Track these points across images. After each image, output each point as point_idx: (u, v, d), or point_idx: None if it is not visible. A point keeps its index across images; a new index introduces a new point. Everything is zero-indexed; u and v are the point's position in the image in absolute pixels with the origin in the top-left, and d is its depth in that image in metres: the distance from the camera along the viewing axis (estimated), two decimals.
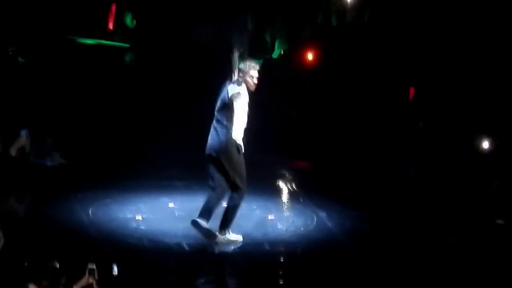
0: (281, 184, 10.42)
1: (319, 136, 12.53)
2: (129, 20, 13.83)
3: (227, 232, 7.46)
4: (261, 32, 14.05)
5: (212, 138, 7.66)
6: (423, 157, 11.17)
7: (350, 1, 13.55)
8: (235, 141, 7.58)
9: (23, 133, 10.81)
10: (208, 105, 7.80)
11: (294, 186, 10.26)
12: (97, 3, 13.50)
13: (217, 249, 7.23)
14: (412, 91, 12.71)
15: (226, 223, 7.46)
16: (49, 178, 10.33)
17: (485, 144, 10.50)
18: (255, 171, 8.55)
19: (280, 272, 6.85)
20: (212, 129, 7.72)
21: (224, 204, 7.58)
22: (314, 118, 13.27)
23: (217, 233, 7.39)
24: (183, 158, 10.87)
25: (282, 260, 7.12)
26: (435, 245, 7.71)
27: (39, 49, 12.69)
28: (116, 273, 5.79)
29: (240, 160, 7.58)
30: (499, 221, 8.76)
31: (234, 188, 7.47)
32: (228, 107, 7.61)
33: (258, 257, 7.11)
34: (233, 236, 7.54)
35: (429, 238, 7.99)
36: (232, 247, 7.24)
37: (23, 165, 10.55)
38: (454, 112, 11.77)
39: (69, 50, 13.12)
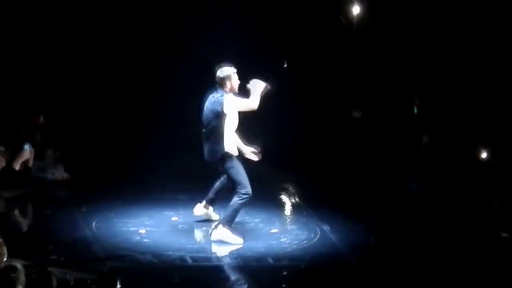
0: (285, 197, 10.42)
1: (323, 149, 12.54)
2: None
3: (226, 227, 7.73)
4: None
5: (208, 153, 7.94)
6: (426, 171, 11.17)
7: (356, 14, 13.60)
8: (229, 152, 7.84)
9: (27, 146, 10.82)
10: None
11: (297, 199, 10.25)
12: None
13: (220, 262, 7.23)
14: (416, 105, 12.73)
15: (226, 218, 7.80)
16: (53, 191, 10.34)
17: (489, 156, 10.46)
18: (259, 184, 8.57)
19: (284, 286, 6.84)
20: (205, 142, 7.88)
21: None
22: (318, 131, 13.30)
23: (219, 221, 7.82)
24: (185, 171, 10.91)
25: (285, 274, 7.11)
26: (439, 259, 7.68)
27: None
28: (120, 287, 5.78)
29: (237, 168, 7.87)
30: (504, 234, 8.73)
31: (234, 192, 7.83)
32: (221, 118, 7.77)
33: (262, 270, 7.08)
34: (233, 237, 7.74)
35: (433, 252, 7.96)
36: (235, 261, 7.21)
37: (26, 178, 10.56)
38: (458, 126, 11.77)
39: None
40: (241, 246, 7.69)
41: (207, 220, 8.57)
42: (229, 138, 7.93)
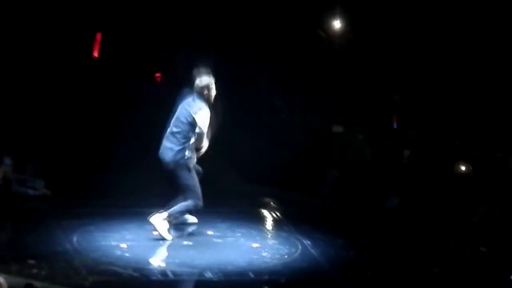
0: (266, 211, 10.43)
1: (304, 164, 12.57)
2: None
3: (167, 220, 8.07)
4: None
5: (165, 153, 8.16)
6: (407, 186, 11.21)
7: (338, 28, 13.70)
8: (188, 160, 8.02)
9: (7, 160, 10.75)
10: None
11: (278, 214, 10.27)
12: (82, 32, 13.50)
13: (201, 277, 7.22)
14: (395, 119, 12.80)
15: (172, 212, 8.14)
16: (33, 205, 10.27)
17: (469, 171, 10.51)
18: (239, 199, 8.60)
19: None
20: (165, 141, 8.05)
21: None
22: (297, 146, 13.33)
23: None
24: (166, 184, 10.90)
25: None
26: (419, 274, 7.73)
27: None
28: None
29: (193, 178, 8.15)
30: (483, 249, 8.80)
31: (187, 198, 8.16)
32: (192, 126, 7.91)
33: (243, 285, 7.09)
34: (166, 232, 8.13)
35: (413, 267, 8.01)
36: (216, 275, 7.20)
37: (6, 193, 10.49)
38: (437, 140, 11.85)
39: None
40: (219, 256, 7.81)
41: (189, 235, 8.58)
42: (192, 148, 8.14)
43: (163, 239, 8.17)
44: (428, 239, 9.17)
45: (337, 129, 13.20)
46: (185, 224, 8.77)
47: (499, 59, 11.92)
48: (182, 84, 8.67)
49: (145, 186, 10.91)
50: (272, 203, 10.96)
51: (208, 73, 8.30)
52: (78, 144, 12.50)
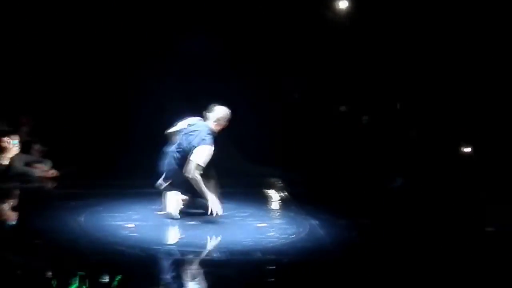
0: (273, 191, 10.44)
1: (311, 145, 12.59)
2: None
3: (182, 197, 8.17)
4: None
5: (169, 170, 8.32)
6: (412, 166, 11.22)
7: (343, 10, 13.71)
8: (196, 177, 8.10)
9: (14, 141, 10.78)
10: None
11: (286, 194, 10.28)
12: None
13: (208, 256, 7.24)
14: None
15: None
16: (39, 186, 10.31)
17: (472, 152, 10.48)
18: (248, 178, 8.58)
19: (271, 280, 6.85)
20: (171, 159, 8.26)
21: None
22: (301, 128, 13.34)
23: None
24: None
25: (273, 268, 7.12)
26: (426, 255, 7.72)
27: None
28: (108, 281, 5.78)
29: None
30: (489, 229, 8.79)
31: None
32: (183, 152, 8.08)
33: (250, 264, 7.10)
34: (175, 210, 8.20)
35: (420, 248, 8.01)
36: (224, 254, 7.21)
37: (14, 174, 10.53)
38: (442, 121, 11.84)
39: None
40: (225, 236, 7.83)
41: (195, 214, 8.59)
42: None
43: (172, 218, 8.18)
44: (434, 219, 9.17)
45: (342, 109, 13.22)
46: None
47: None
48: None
49: (153, 167, 10.97)
50: (279, 182, 10.97)
51: (226, 108, 8.29)
52: (87, 125, 12.56)
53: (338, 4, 13.45)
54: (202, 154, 8.03)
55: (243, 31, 13.19)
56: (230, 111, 8.30)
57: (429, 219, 9.21)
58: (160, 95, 12.51)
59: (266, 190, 10.50)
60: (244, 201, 9.45)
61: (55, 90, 12.87)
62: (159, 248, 7.23)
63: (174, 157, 8.31)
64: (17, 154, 10.77)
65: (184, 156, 8.19)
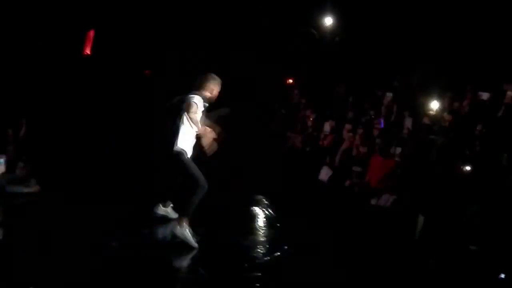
0: (258, 209, 10.48)
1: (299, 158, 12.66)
2: None
3: (185, 222, 7.99)
4: None
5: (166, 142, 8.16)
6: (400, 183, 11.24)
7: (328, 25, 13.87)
8: (181, 148, 8.05)
9: (1, 161, 10.77)
10: None
11: (271, 211, 10.31)
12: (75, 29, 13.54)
13: (194, 273, 7.24)
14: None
15: (185, 212, 8.03)
16: (26, 203, 10.28)
17: (465, 169, 10.41)
18: (232, 195, 8.56)
19: None
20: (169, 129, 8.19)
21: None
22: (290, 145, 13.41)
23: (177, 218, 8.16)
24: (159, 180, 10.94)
25: (258, 286, 7.15)
26: (412, 273, 7.79)
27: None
28: None
29: (188, 164, 8.08)
30: (472, 247, 8.85)
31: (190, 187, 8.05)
32: (181, 116, 7.92)
33: (236, 281, 7.11)
34: (191, 239, 8.00)
35: (406, 266, 8.07)
36: (209, 272, 7.23)
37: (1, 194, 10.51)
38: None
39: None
40: (211, 253, 7.83)
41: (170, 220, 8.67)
42: (184, 137, 8.12)
43: (191, 246, 8.04)
44: (421, 237, 9.24)
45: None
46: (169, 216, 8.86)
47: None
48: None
49: (141, 183, 10.99)
50: (263, 199, 11.01)
51: (215, 75, 8.36)
52: (73, 141, 12.55)
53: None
54: (190, 107, 8.05)
55: None
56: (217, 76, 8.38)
57: (414, 236, 9.27)
58: None
59: (252, 207, 10.54)
60: (229, 218, 9.47)
61: (37, 102, 12.85)
62: (145, 266, 7.23)
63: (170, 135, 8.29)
64: (2, 174, 10.76)
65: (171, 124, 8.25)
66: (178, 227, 8.05)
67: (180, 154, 8.08)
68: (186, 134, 8.15)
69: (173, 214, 8.89)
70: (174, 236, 8.06)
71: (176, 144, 8.08)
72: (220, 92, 8.38)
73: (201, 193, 8.04)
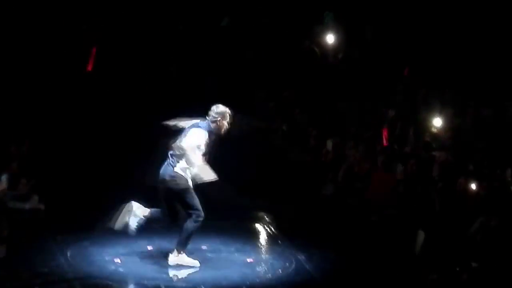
0: (260, 225, 10.45)
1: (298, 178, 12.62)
2: None
3: (180, 253, 7.83)
4: None
5: (163, 169, 7.92)
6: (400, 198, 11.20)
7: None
8: (181, 175, 7.82)
9: (3, 177, 10.78)
10: None
11: (272, 228, 10.29)
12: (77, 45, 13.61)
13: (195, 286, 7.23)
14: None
15: (181, 242, 7.87)
16: (27, 221, 10.28)
17: (472, 186, 10.32)
18: (234, 212, 8.54)
19: None
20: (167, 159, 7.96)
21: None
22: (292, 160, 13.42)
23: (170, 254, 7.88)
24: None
25: None
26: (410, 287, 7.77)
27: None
28: None
29: (191, 192, 7.86)
30: (474, 264, 8.82)
31: (188, 216, 7.84)
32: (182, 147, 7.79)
33: None
34: (189, 261, 7.89)
35: (408, 281, 8.04)
36: None
37: (2, 210, 10.51)
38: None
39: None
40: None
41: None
42: (185, 165, 7.88)
43: (168, 257, 8.00)
44: (422, 252, 9.21)
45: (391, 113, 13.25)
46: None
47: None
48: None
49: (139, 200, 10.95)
50: (265, 217, 10.99)
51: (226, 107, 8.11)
52: (75, 158, 12.56)
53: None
54: (193, 135, 7.85)
55: None
56: (229, 109, 8.14)
57: (416, 252, 9.24)
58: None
59: (253, 224, 10.51)
60: (231, 235, 9.46)
61: (41, 119, 12.88)
62: (146, 284, 7.23)
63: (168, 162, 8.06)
64: (3, 190, 10.76)
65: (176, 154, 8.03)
66: (174, 257, 7.95)
67: (187, 187, 7.86)
68: (189, 162, 7.95)
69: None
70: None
71: (181, 177, 7.87)
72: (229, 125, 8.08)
73: (198, 224, 7.88)
